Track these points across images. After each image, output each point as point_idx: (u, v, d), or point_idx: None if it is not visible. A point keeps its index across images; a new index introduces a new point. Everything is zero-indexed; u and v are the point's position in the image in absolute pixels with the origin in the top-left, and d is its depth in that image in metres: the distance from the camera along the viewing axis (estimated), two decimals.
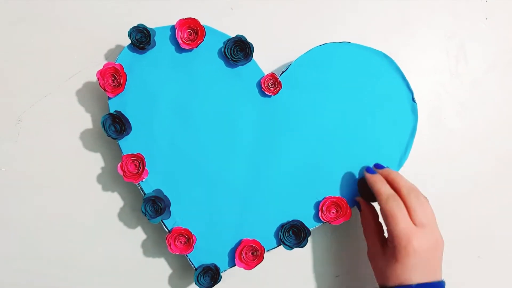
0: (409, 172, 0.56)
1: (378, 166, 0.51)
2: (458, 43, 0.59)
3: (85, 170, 0.56)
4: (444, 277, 0.46)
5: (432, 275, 0.44)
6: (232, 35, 0.52)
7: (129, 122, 0.50)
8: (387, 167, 0.50)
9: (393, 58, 0.53)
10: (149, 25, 0.51)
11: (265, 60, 0.54)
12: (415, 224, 0.44)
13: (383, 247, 0.47)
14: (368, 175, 0.49)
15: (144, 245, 0.56)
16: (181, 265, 0.56)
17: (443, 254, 0.46)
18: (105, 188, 0.56)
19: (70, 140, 0.56)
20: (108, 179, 0.56)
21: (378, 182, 0.47)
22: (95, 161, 0.56)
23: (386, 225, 0.45)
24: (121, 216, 0.56)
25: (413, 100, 0.52)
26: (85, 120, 0.56)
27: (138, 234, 0.56)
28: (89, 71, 0.56)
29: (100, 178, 0.56)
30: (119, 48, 0.56)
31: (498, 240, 0.59)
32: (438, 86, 0.59)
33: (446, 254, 0.48)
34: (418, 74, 0.59)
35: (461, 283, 0.58)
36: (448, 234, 0.58)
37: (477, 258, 0.58)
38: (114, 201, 0.56)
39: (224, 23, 0.55)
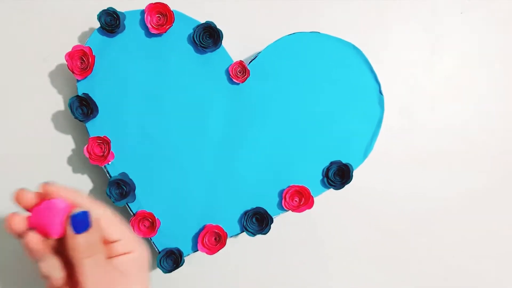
0: (379, 166, 0.57)
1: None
2: (433, 37, 0.59)
3: (55, 152, 0.56)
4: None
5: None
6: (204, 21, 0.52)
7: (96, 105, 0.51)
8: None
9: (367, 50, 0.53)
10: (124, 8, 0.51)
11: (236, 48, 0.54)
12: None
13: None
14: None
15: None
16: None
17: None
18: (75, 170, 0.56)
19: (42, 122, 0.56)
20: (78, 161, 0.56)
21: None
22: (66, 143, 0.56)
23: None
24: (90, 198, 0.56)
25: (380, 92, 0.52)
26: (57, 102, 0.56)
27: None
28: (62, 53, 0.56)
29: (70, 160, 0.56)
30: (93, 31, 0.56)
31: (474, 237, 0.59)
32: (411, 80, 0.59)
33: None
34: (392, 67, 0.59)
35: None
36: (423, 227, 0.59)
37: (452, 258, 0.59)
38: (84, 183, 0.56)
39: (197, 9, 0.54)
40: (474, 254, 0.59)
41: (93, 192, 0.56)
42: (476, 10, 0.59)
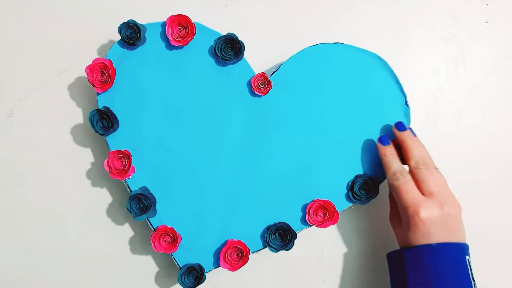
0: None
1: (399, 126, 0.49)
2: (457, 46, 0.58)
3: (74, 165, 0.56)
4: None
5: (454, 237, 0.44)
6: (225, 33, 0.51)
7: (116, 118, 0.50)
8: (409, 127, 0.49)
9: (390, 60, 0.52)
10: (144, 21, 0.51)
11: (258, 59, 0.54)
12: (423, 194, 0.45)
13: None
14: (380, 147, 0.49)
15: (131, 242, 0.56)
16: (167, 263, 0.56)
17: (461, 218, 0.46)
18: (94, 184, 0.56)
19: (61, 135, 0.56)
20: (97, 175, 0.56)
21: (387, 156, 0.48)
22: (85, 156, 0.56)
23: (395, 198, 0.47)
24: (109, 212, 0.56)
25: (406, 103, 0.51)
26: (76, 115, 0.56)
27: (126, 231, 0.56)
28: (82, 65, 0.56)
29: (89, 174, 0.56)
30: (112, 43, 0.56)
31: (492, 245, 0.57)
32: (435, 90, 0.58)
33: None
34: (415, 77, 0.58)
35: None
36: None
37: None
38: (103, 197, 0.56)
39: (218, 21, 0.54)
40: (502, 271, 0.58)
41: (112, 206, 0.55)
42: (500, 19, 0.58)
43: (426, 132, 0.57)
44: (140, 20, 0.51)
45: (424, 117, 0.57)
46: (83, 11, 0.57)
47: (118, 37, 0.55)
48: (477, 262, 0.52)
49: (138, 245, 0.56)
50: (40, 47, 0.56)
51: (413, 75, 0.58)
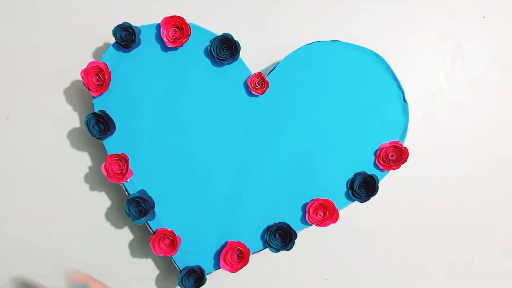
0: (402, 173, 0.55)
1: None
2: (455, 42, 0.58)
3: (72, 169, 0.55)
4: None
5: None
6: (221, 33, 0.51)
7: (113, 121, 0.50)
8: None
9: (388, 57, 0.52)
10: (139, 23, 0.50)
11: (254, 59, 0.53)
12: None
13: None
14: None
15: (130, 245, 0.55)
16: (167, 265, 0.55)
17: None
18: (92, 188, 0.55)
19: (58, 139, 0.56)
20: (95, 179, 0.55)
21: None
22: (83, 160, 0.56)
23: None
24: (108, 215, 0.55)
25: (404, 100, 0.51)
26: (72, 119, 0.56)
27: (125, 234, 0.55)
28: (77, 69, 0.55)
29: (87, 178, 0.55)
30: (107, 46, 0.56)
31: (492, 243, 0.57)
32: (433, 87, 0.58)
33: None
34: (413, 74, 0.57)
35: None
36: (442, 237, 0.57)
37: (470, 262, 0.57)
38: (101, 200, 0.55)
39: (213, 21, 0.54)
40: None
41: (111, 210, 0.55)
42: (497, 13, 0.58)
43: (425, 128, 0.57)
44: (134, 23, 0.51)
45: (423, 113, 0.57)
46: (77, 14, 0.56)
47: (113, 40, 0.55)
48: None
49: (137, 248, 0.55)
50: (34, 51, 0.56)
51: (410, 71, 0.57)
